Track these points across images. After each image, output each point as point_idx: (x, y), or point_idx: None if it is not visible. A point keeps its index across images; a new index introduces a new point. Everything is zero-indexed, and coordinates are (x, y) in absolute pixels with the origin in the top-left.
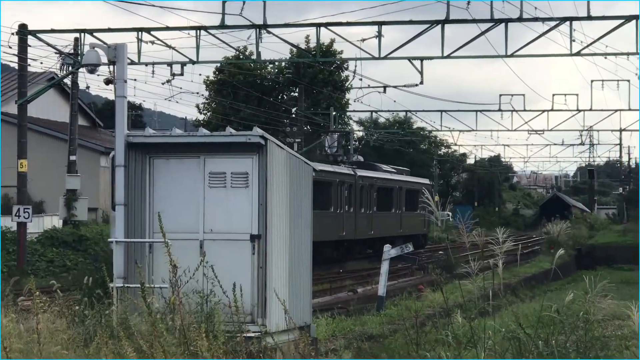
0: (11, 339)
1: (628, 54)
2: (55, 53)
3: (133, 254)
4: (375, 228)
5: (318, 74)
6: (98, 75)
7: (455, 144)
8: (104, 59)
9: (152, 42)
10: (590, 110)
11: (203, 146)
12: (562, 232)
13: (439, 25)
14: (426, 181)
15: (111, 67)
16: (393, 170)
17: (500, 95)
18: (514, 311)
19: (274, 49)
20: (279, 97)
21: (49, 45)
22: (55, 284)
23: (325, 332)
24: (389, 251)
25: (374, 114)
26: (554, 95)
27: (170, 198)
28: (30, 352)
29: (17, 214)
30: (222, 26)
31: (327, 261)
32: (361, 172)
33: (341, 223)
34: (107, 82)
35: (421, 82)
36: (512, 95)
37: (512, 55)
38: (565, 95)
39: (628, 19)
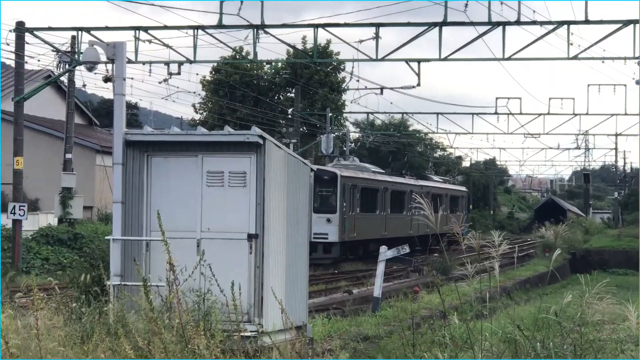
0: (9, 335)
1: (625, 58)
2: (53, 51)
3: (130, 252)
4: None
5: (314, 75)
6: (95, 73)
7: (451, 147)
8: (103, 57)
9: (150, 41)
10: (587, 114)
11: (201, 145)
12: (559, 236)
13: (437, 28)
14: (464, 189)
15: (109, 65)
16: (440, 180)
17: (497, 98)
18: (510, 313)
19: (271, 49)
20: (275, 97)
21: (46, 42)
22: (53, 281)
23: (321, 332)
24: (385, 252)
25: (370, 115)
26: (550, 98)
27: (167, 196)
28: (28, 348)
29: (13, 212)
30: (220, 26)
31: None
32: (421, 182)
33: (409, 223)
34: (106, 80)
35: (418, 84)
36: (508, 98)
37: (509, 59)
38: (561, 99)
39: (626, 23)
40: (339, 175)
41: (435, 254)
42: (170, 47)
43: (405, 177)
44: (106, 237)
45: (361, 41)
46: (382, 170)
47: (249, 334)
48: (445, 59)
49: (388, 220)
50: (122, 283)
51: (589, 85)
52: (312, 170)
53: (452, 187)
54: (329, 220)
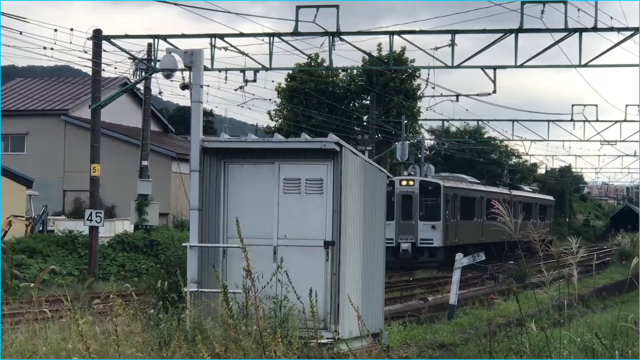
0: (88, 341)
1: None
2: (129, 58)
3: (207, 259)
4: (521, 232)
5: (390, 82)
6: (172, 81)
7: (527, 154)
8: (180, 65)
9: (226, 49)
10: None
11: (278, 152)
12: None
13: (513, 35)
14: (551, 198)
15: (185, 72)
16: (530, 190)
17: (573, 105)
18: (588, 322)
19: (347, 56)
20: (351, 104)
21: (122, 50)
22: (130, 287)
23: (397, 339)
24: (460, 260)
25: (445, 122)
26: (627, 105)
27: (244, 203)
28: (106, 354)
29: (89, 218)
30: (296, 33)
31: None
32: (514, 192)
33: (503, 229)
34: (184, 87)
35: (494, 91)
36: (584, 105)
37: (585, 65)
38: (638, 105)
39: None
40: (442, 186)
41: (510, 261)
42: (246, 55)
43: (499, 187)
44: (183, 244)
45: (437, 48)
46: (477, 181)
47: (325, 341)
48: (521, 65)
49: (485, 226)
50: (199, 290)
51: None
52: (388, 177)
53: (541, 196)
54: (433, 227)
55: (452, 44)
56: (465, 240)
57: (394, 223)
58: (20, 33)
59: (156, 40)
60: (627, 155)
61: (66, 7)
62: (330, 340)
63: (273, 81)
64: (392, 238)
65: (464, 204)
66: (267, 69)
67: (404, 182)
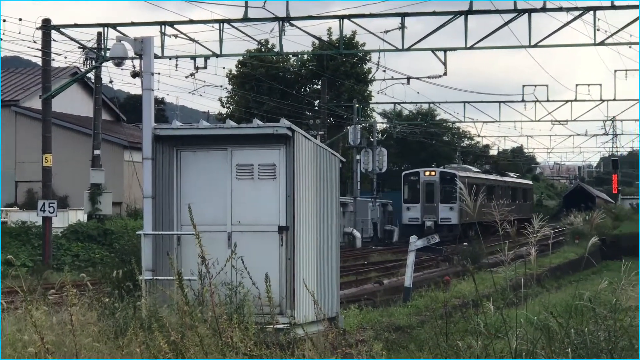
0: (44, 331)
1: None
2: (79, 48)
3: (161, 246)
4: (510, 211)
5: (340, 67)
6: (122, 69)
7: (479, 135)
8: (130, 53)
9: (176, 36)
10: (614, 100)
11: (230, 138)
12: (593, 223)
13: (462, 16)
14: (530, 182)
15: (135, 60)
16: (514, 176)
17: (524, 85)
18: (543, 301)
19: (297, 41)
20: (302, 89)
21: (72, 39)
22: (86, 277)
23: (354, 323)
24: (415, 242)
25: (397, 105)
26: (577, 85)
27: (197, 190)
28: (62, 344)
29: (42, 209)
30: (245, 19)
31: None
32: (505, 178)
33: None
34: (134, 75)
35: (445, 74)
36: (535, 85)
37: (535, 46)
38: (588, 85)
39: None
40: (458, 175)
41: (464, 243)
42: (196, 42)
43: (492, 174)
44: (137, 232)
45: (387, 31)
46: (479, 170)
47: (281, 326)
48: (472, 47)
49: (486, 207)
50: (154, 277)
51: (615, 70)
52: (341, 161)
53: (524, 181)
54: (451, 208)
55: (402, 26)
56: (475, 219)
57: (419, 205)
58: None
59: (106, 28)
60: (578, 134)
61: None
62: (286, 325)
63: (224, 68)
64: (417, 217)
65: (472, 189)
66: (217, 56)
67: (427, 173)
